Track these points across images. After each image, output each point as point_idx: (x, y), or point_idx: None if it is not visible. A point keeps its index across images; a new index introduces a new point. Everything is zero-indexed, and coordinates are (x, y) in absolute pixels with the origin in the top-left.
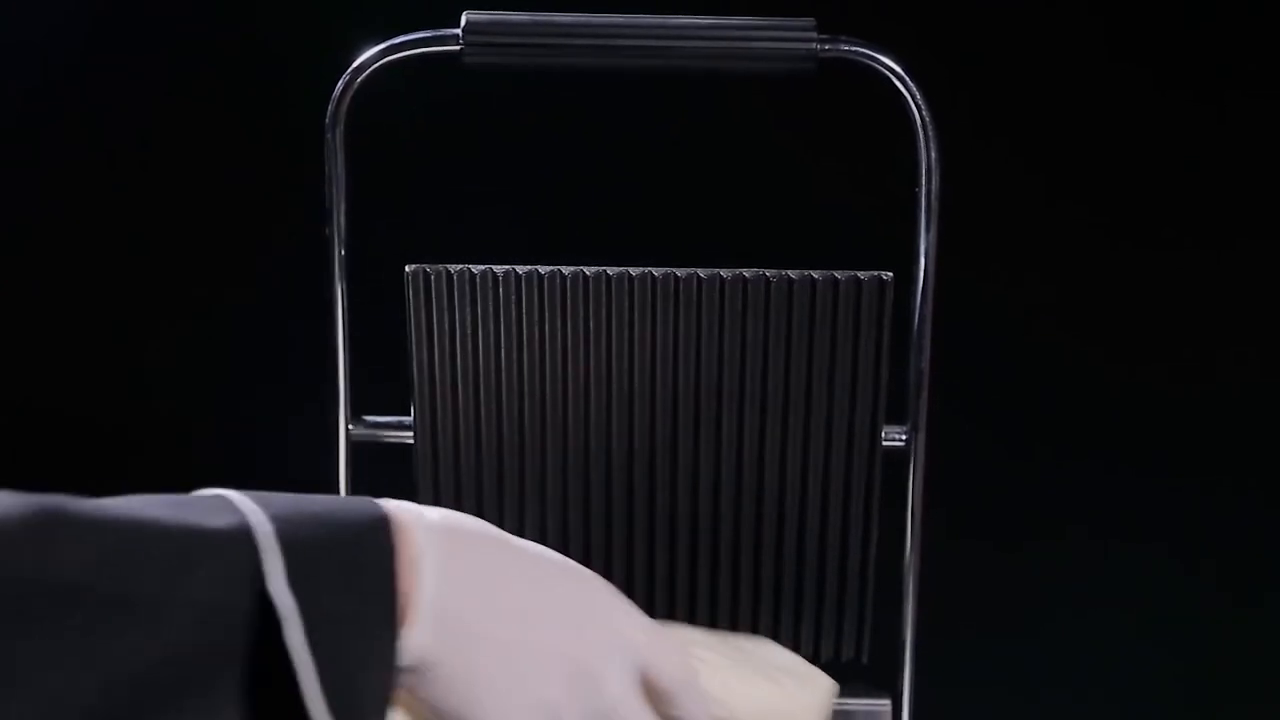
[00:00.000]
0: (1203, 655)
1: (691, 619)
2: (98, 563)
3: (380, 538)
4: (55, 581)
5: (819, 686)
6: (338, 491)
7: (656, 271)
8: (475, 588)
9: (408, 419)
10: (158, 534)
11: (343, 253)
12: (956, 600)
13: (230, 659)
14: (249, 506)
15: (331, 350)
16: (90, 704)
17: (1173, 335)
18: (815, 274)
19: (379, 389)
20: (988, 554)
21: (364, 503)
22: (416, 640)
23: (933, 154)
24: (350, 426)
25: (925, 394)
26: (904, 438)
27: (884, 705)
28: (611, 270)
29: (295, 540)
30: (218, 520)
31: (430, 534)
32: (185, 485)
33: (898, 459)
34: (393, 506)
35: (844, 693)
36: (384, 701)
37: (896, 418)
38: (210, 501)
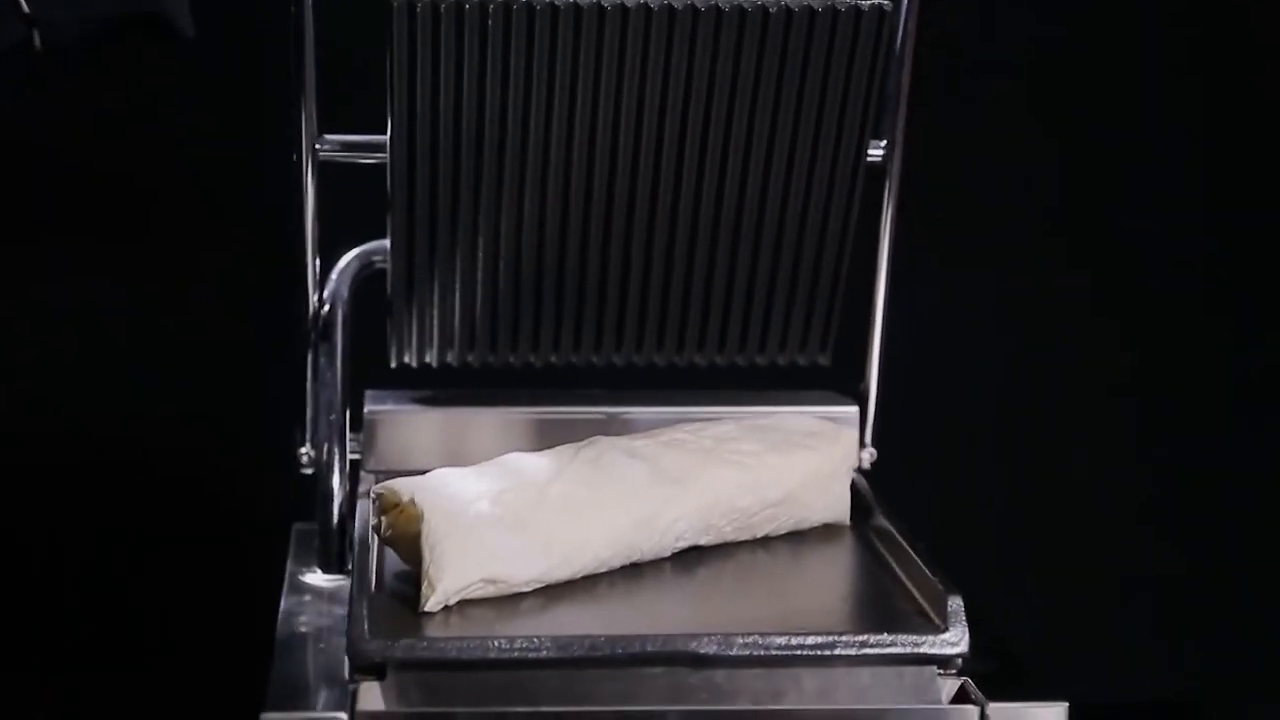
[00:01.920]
0: None
1: (663, 332)
2: None
3: None
4: None
5: (844, 439)
6: (302, 213)
7: (653, 1)
8: None
9: (379, 138)
10: None
11: None
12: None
13: None
14: None
15: (298, 68)
16: None
17: None
18: (815, 4)
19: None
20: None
21: None
22: None
23: None
24: (317, 145)
25: (903, 111)
26: (881, 153)
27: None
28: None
29: None
30: None
31: None
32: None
33: (875, 174)
34: None
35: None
36: None
37: (874, 134)
38: None
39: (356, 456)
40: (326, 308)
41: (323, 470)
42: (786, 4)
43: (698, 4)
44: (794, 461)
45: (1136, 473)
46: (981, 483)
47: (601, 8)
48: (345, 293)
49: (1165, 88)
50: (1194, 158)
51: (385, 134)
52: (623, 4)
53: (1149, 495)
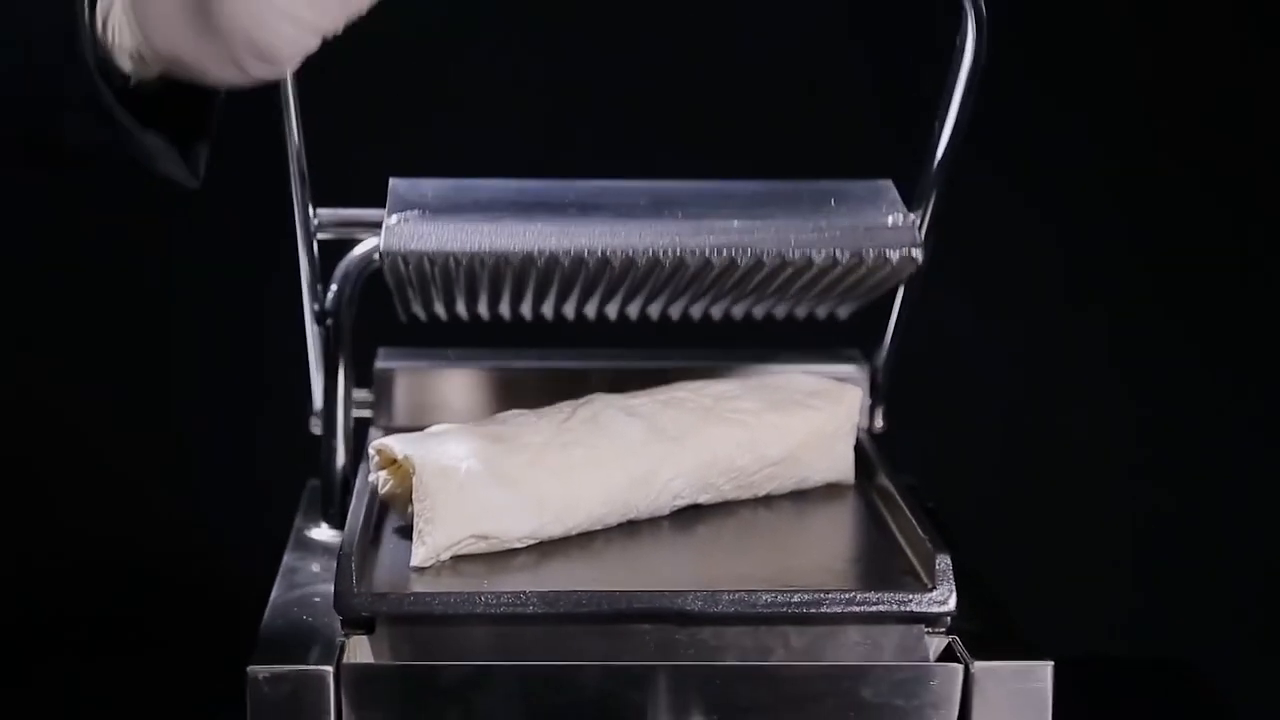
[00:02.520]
0: None
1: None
2: None
3: None
4: None
5: (848, 398)
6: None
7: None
8: None
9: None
10: None
11: None
12: None
13: None
14: None
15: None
16: None
17: None
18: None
19: None
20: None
21: None
22: None
23: None
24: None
25: None
26: None
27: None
28: None
29: None
30: None
31: None
32: None
33: None
34: None
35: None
36: None
37: None
38: None
39: (368, 414)
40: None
41: (328, 425)
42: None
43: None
44: (795, 421)
45: (1139, 434)
46: (987, 444)
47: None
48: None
49: None
50: None
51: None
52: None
53: (1149, 454)
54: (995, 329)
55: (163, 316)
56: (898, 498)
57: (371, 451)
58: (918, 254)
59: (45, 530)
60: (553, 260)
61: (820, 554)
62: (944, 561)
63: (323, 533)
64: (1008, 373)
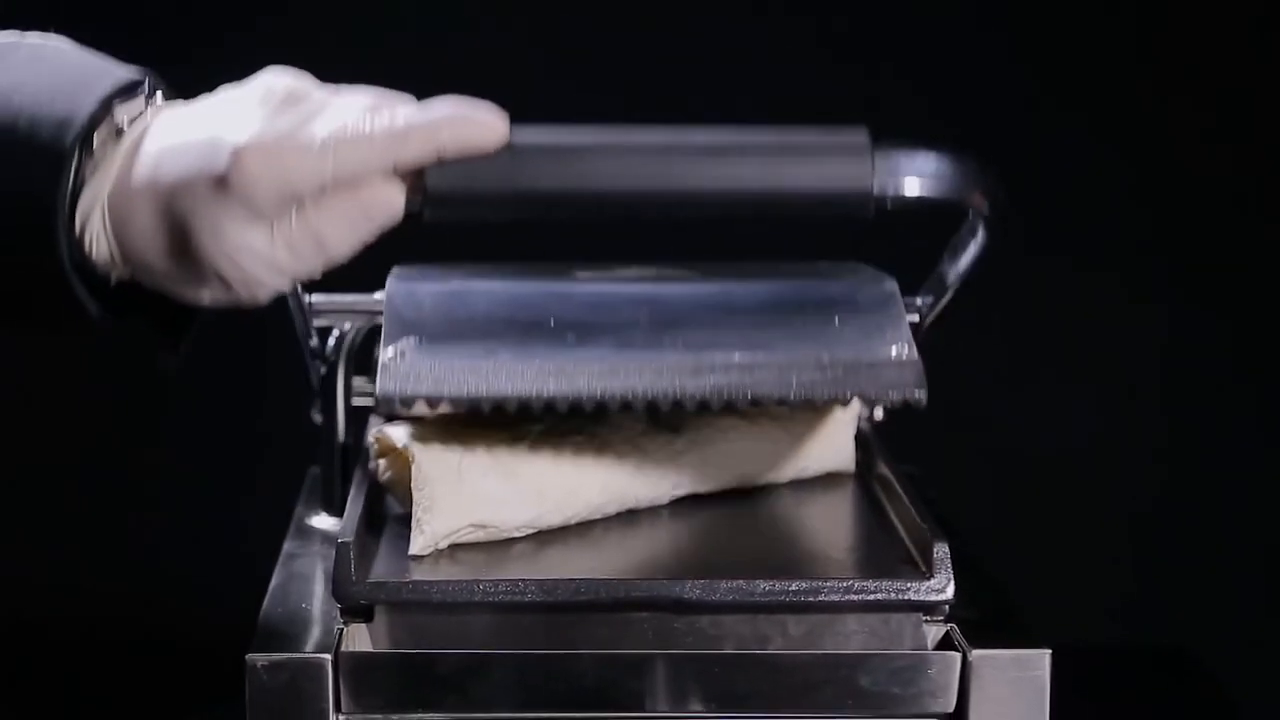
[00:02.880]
0: None
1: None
2: None
3: None
4: None
5: None
6: None
7: None
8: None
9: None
10: None
11: None
12: None
13: None
14: None
15: None
16: None
17: None
18: None
19: None
20: None
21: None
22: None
23: None
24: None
25: None
26: None
27: None
28: None
29: None
30: None
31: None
32: None
33: None
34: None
35: None
36: None
37: None
38: None
39: (370, 402)
40: None
41: (327, 412)
42: None
43: None
44: (795, 410)
45: (1139, 422)
46: (987, 433)
47: None
48: None
49: None
50: None
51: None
52: None
53: (1150, 442)
54: (997, 319)
55: None
56: (897, 487)
57: (371, 439)
58: (921, 395)
59: (44, 529)
60: (550, 401)
61: (819, 542)
62: (942, 550)
63: (322, 520)
64: (1008, 362)
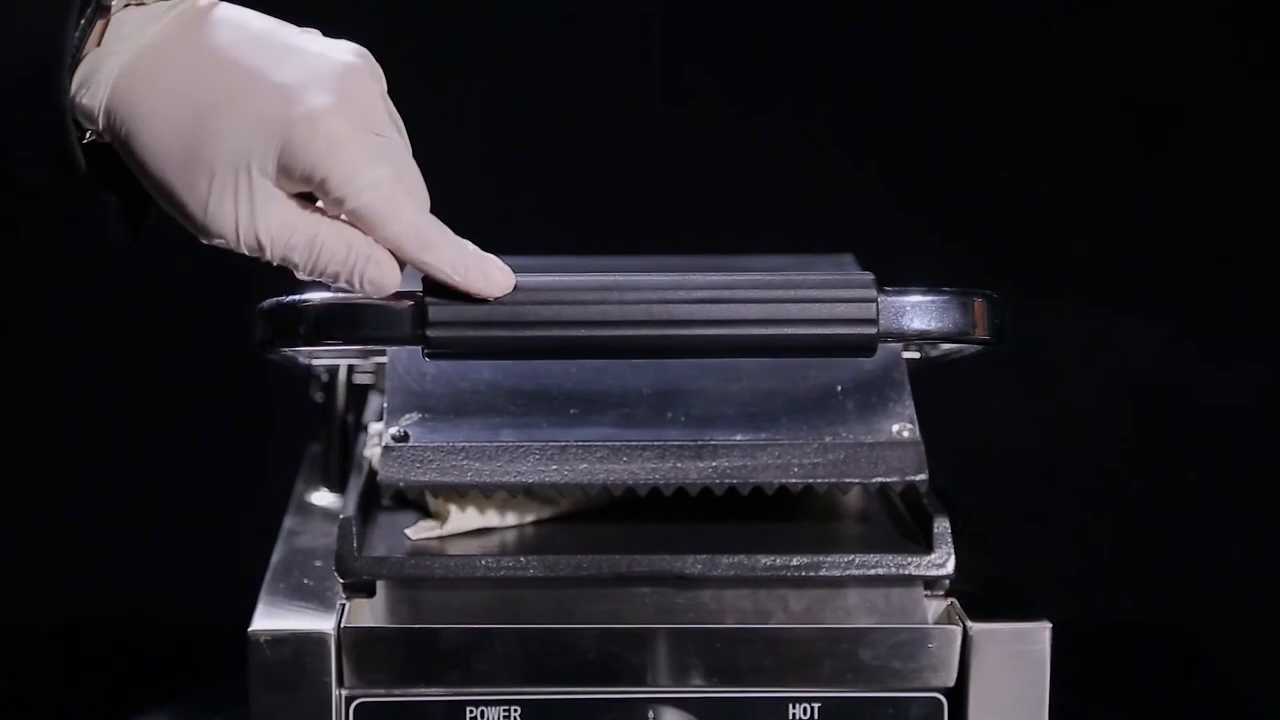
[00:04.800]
0: None
1: None
2: None
3: None
4: None
5: None
6: None
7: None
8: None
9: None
10: None
11: None
12: None
13: None
14: None
15: None
16: None
17: None
18: None
19: None
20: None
21: None
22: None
23: None
24: None
25: None
26: None
27: None
28: None
29: None
30: None
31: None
32: None
33: None
34: None
35: None
36: None
37: None
38: None
39: (369, 380)
40: None
41: (328, 389)
42: None
43: None
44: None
45: (1143, 398)
46: (990, 408)
47: None
48: None
49: None
50: None
51: None
52: None
53: (1151, 418)
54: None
55: (161, 291)
56: None
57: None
58: (922, 479)
59: (45, 526)
60: (552, 489)
61: (825, 519)
62: (943, 525)
63: (323, 497)
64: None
